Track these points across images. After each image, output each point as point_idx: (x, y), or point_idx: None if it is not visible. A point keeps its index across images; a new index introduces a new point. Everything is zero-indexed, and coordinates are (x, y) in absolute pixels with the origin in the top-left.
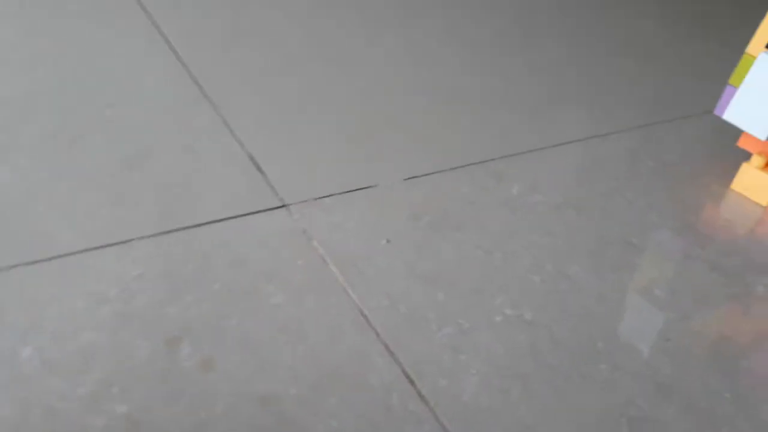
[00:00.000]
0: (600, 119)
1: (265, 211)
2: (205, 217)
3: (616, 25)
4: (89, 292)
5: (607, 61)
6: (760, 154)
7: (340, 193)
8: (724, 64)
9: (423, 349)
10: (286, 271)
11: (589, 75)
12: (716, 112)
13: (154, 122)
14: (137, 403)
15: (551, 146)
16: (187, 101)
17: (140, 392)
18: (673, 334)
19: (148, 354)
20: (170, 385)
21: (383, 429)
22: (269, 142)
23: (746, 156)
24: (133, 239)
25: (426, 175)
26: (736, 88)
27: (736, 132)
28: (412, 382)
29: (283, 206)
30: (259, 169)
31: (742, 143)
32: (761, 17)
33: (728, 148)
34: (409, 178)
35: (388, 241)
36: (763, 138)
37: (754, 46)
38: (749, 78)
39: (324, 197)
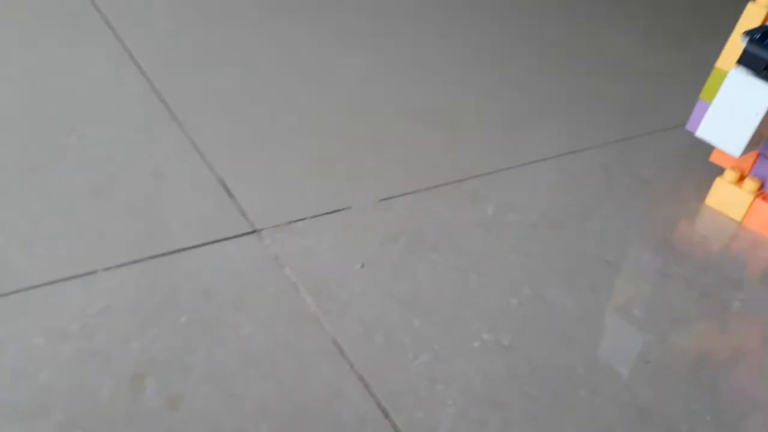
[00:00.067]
0: (574, 135)
1: (235, 237)
2: (172, 245)
3: (589, 39)
4: (50, 328)
5: (580, 75)
6: (733, 168)
7: (312, 217)
8: (698, 76)
9: (398, 380)
10: (256, 300)
11: (563, 90)
12: (688, 127)
13: (120, 146)
14: None
15: (526, 164)
16: (154, 123)
17: None
18: (652, 355)
19: (111, 393)
20: (135, 426)
21: None
22: (240, 165)
23: (721, 170)
24: (97, 271)
25: (401, 195)
26: (707, 102)
27: (710, 145)
28: (387, 414)
29: (253, 231)
30: (229, 193)
31: (714, 158)
32: (732, 29)
33: (703, 162)
34: (383, 200)
35: (362, 265)
36: (737, 155)
37: (723, 60)
38: (721, 94)
39: (296, 221)
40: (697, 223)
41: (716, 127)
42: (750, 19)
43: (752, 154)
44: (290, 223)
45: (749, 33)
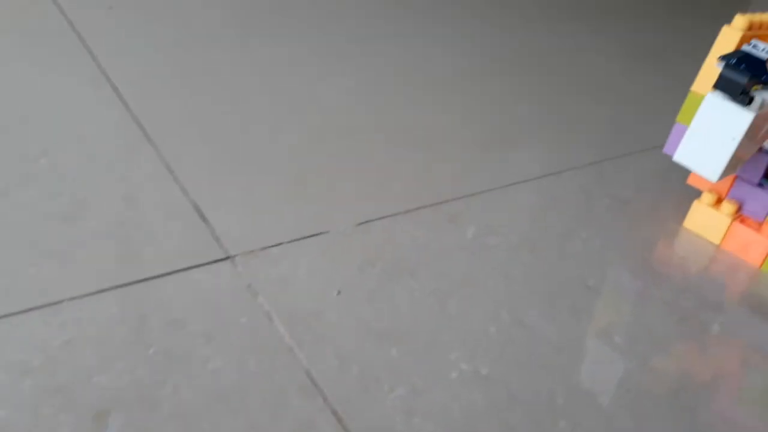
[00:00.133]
0: (554, 156)
1: (207, 264)
2: (142, 273)
3: (569, 59)
4: (10, 362)
5: (560, 96)
6: (710, 191)
7: (289, 242)
8: (676, 98)
9: (374, 414)
10: (227, 331)
11: (543, 111)
12: (666, 150)
13: (93, 170)
14: None
15: (506, 185)
16: (130, 146)
17: None
18: (633, 384)
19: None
20: None
21: None
22: (215, 189)
23: (699, 191)
24: (62, 300)
25: (379, 219)
26: (684, 125)
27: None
28: None
29: (227, 258)
30: (203, 218)
31: (691, 181)
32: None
33: (682, 183)
34: (361, 223)
35: (339, 292)
36: (714, 181)
37: (699, 83)
38: (697, 119)
39: (272, 246)
40: (676, 246)
41: (693, 152)
42: (725, 42)
43: (729, 177)
44: (265, 248)
45: (725, 58)
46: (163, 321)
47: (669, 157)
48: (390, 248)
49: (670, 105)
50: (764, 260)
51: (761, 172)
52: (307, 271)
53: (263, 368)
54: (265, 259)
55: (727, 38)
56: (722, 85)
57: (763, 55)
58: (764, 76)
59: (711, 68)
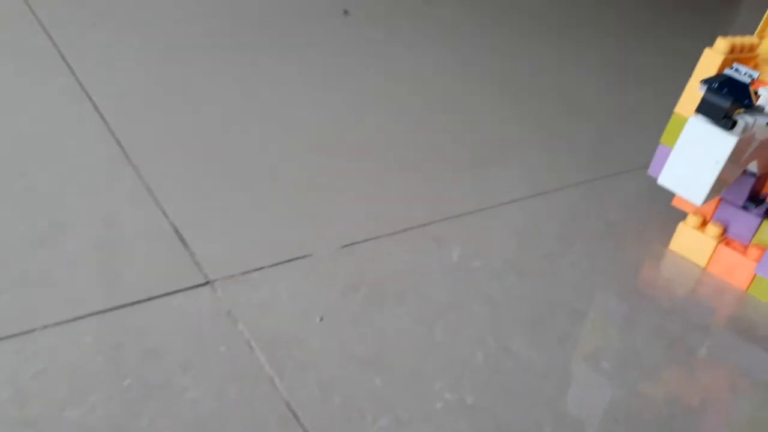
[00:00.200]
0: (540, 176)
1: (186, 289)
2: (119, 299)
3: (553, 79)
4: None
5: (544, 116)
6: (695, 213)
7: (270, 266)
8: (663, 116)
9: None
10: (206, 360)
11: (528, 131)
12: (650, 172)
13: (72, 192)
14: None
15: (492, 207)
16: (109, 167)
17: None
18: (621, 413)
19: None
20: None
21: None
22: (196, 210)
23: (685, 213)
24: (35, 329)
25: (364, 241)
26: (668, 147)
27: None
28: None
29: (207, 283)
30: (182, 241)
31: (676, 203)
32: (693, 67)
33: (668, 204)
34: (345, 246)
35: (321, 318)
36: (698, 204)
37: (682, 105)
38: (681, 142)
39: (253, 271)
40: (662, 268)
41: (677, 176)
42: (707, 64)
43: (714, 199)
44: (246, 273)
45: (707, 81)
46: (139, 350)
47: (654, 178)
48: (374, 272)
49: (657, 124)
50: (750, 283)
51: (746, 194)
52: (289, 296)
53: (243, 398)
54: (246, 283)
55: (709, 61)
56: (705, 109)
57: (745, 79)
58: (746, 100)
59: (694, 90)
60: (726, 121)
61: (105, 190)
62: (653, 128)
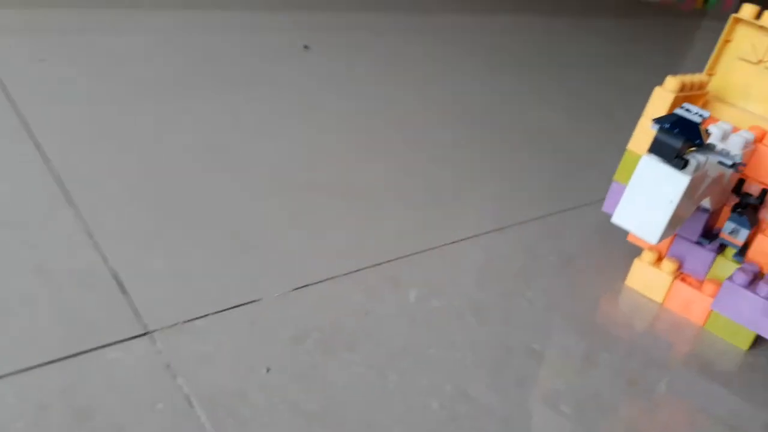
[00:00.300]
0: (497, 211)
1: (123, 341)
2: (46, 355)
3: (511, 113)
4: None
5: (503, 150)
6: (650, 249)
7: (215, 313)
8: (620, 151)
9: None
10: (141, 420)
11: (485, 165)
12: (605, 209)
13: (3, 237)
14: None
15: (449, 243)
16: (48, 208)
17: None
18: None
19: None
20: None
21: None
22: (139, 255)
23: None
24: None
25: (316, 283)
26: (622, 184)
27: None
28: None
29: (145, 334)
30: (122, 288)
31: (632, 238)
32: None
33: (625, 238)
34: (297, 288)
35: (268, 370)
36: (654, 243)
37: (634, 142)
38: (634, 181)
39: (196, 319)
40: (621, 304)
41: (631, 215)
42: (658, 102)
43: None
44: (189, 321)
45: (659, 121)
46: (67, 411)
47: (610, 214)
48: (326, 316)
49: (615, 159)
50: (707, 318)
51: (699, 230)
52: (234, 347)
53: None
54: (188, 333)
55: (660, 99)
56: (657, 149)
57: (696, 119)
58: (698, 140)
59: (645, 128)
60: (678, 161)
61: (40, 235)
62: (613, 162)
